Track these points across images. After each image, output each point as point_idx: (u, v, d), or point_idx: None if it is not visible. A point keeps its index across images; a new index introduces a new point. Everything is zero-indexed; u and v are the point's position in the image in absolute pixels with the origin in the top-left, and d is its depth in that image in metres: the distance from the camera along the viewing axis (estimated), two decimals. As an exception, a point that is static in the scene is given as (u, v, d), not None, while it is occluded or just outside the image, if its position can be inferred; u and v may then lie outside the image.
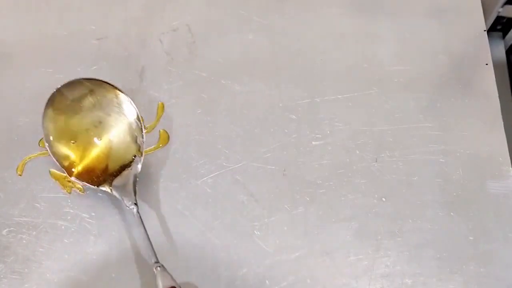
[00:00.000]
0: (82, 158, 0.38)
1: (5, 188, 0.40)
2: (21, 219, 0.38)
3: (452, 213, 0.38)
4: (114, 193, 0.37)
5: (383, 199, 0.38)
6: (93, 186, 0.37)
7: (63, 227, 0.38)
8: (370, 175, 0.39)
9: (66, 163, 0.38)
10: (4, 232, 0.38)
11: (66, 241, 0.37)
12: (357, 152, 0.40)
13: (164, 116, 0.43)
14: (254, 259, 0.36)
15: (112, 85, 0.39)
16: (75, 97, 0.39)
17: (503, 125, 0.41)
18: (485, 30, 0.46)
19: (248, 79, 0.44)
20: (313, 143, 0.41)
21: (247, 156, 0.40)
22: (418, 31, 0.46)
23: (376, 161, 0.40)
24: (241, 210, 0.38)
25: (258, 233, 0.37)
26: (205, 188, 0.39)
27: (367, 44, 0.46)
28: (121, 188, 0.37)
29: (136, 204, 0.36)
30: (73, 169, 0.38)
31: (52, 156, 0.38)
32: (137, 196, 0.37)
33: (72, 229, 0.38)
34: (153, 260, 0.34)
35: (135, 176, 0.37)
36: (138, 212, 0.36)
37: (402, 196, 0.39)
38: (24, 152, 0.41)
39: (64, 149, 0.38)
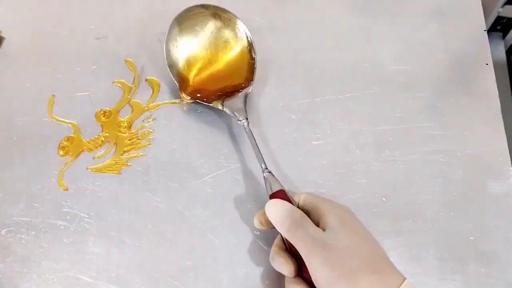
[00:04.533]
0: (197, 77, 0.41)
1: (5, 188, 0.40)
2: (20, 219, 0.38)
3: (452, 213, 0.38)
4: (226, 110, 0.39)
5: (383, 199, 0.38)
6: (205, 103, 0.40)
7: (62, 227, 0.38)
8: (370, 175, 0.39)
9: (180, 80, 0.41)
10: (3, 232, 0.38)
11: (65, 240, 0.37)
12: (357, 152, 0.40)
13: (163, 116, 0.43)
14: (254, 259, 0.36)
15: (232, 13, 0.43)
16: (197, 20, 0.43)
17: (503, 125, 0.41)
18: (485, 30, 0.46)
19: (248, 79, 0.44)
20: (313, 143, 0.41)
21: (247, 156, 0.40)
22: (418, 31, 0.46)
23: (376, 161, 0.40)
24: (241, 210, 0.38)
25: (258, 233, 0.37)
26: (205, 188, 0.39)
27: (367, 44, 0.46)
28: (233, 106, 0.40)
29: (247, 119, 0.39)
30: (186, 89, 0.41)
31: (169, 70, 0.41)
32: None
33: (72, 229, 0.38)
34: (263, 166, 0.36)
35: (246, 96, 0.40)
36: (248, 125, 0.38)
37: (402, 196, 0.38)
38: (24, 152, 0.41)
39: (180, 67, 0.42)
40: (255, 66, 0.42)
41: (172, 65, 0.42)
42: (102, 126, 0.42)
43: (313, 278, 0.30)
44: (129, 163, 0.40)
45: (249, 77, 0.41)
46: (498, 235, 0.37)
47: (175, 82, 0.41)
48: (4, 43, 0.47)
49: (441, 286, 0.35)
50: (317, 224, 0.32)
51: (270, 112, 0.42)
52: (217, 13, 0.43)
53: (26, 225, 0.38)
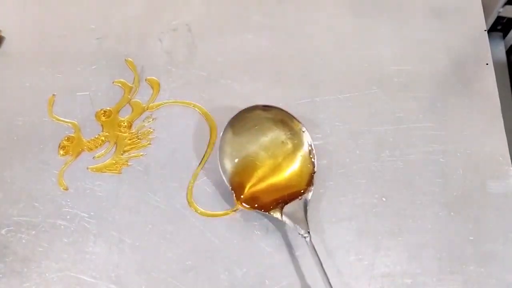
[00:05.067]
0: (254, 183, 0.38)
1: (5, 187, 0.40)
2: (20, 218, 0.38)
3: (452, 213, 0.38)
4: (285, 219, 0.36)
5: (383, 199, 0.38)
6: (263, 212, 0.37)
7: (62, 226, 0.38)
8: (370, 175, 0.39)
9: (235, 186, 0.38)
10: (3, 231, 0.38)
11: (65, 240, 0.37)
12: (357, 152, 0.40)
13: (163, 116, 0.43)
14: (254, 259, 0.36)
15: (290, 114, 0.39)
16: (255, 122, 0.39)
17: (503, 125, 0.41)
18: (485, 30, 0.46)
19: (248, 79, 0.44)
20: (313, 143, 0.41)
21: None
22: (418, 31, 0.46)
23: (376, 161, 0.40)
24: (240, 210, 0.38)
25: (258, 233, 0.37)
26: (205, 188, 0.39)
27: (367, 44, 0.46)
28: (292, 215, 0.36)
29: (309, 232, 0.35)
30: (241, 195, 0.37)
31: (223, 177, 0.37)
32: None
33: (72, 228, 0.38)
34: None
35: (306, 204, 0.37)
36: (311, 240, 0.35)
37: (402, 196, 0.38)
38: (24, 152, 0.41)
39: (236, 172, 0.38)
40: (315, 170, 0.38)
41: (225, 171, 0.38)
42: (102, 125, 0.42)
43: None
44: (129, 163, 0.40)
45: (309, 184, 0.38)
46: (498, 235, 0.37)
47: (229, 188, 0.38)
48: (4, 43, 0.47)
49: (441, 286, 0.35)
50: None
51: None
52: (277, 116, 0.39)
53: (26, 224, 0.38)
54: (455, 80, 0.43)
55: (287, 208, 0.37)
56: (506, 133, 0.40)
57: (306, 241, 0.35)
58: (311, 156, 0.39)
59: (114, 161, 0.41)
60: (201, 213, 0.38)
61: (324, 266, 0.34)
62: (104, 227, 0.38)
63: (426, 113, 0.42)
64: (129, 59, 0.46)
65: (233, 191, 0.37)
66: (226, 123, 0.38)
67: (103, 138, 0.42)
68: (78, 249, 0.37)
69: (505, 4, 0.46)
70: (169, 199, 0.39)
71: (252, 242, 0.37)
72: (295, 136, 0.39)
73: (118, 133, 0.42)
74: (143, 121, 0.42)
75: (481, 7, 0.47)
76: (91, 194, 0.39)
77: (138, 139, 0.42)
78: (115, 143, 0.42)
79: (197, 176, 0.40)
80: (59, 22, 0.48)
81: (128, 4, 0.49)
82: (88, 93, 0.44)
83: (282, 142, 0.39)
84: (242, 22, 0.48)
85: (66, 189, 0.39)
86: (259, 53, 0.46)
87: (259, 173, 0.38)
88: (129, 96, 0.44)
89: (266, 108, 0.39)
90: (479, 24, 0.46)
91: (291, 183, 0.38)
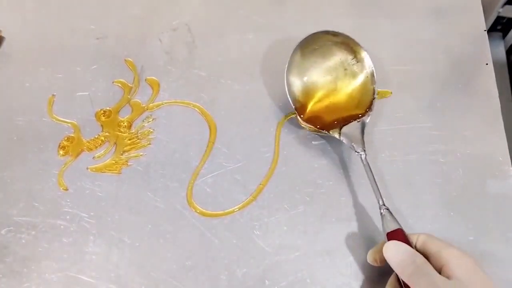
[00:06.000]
0: (316, 104, 0.40)
1: (4, 187, 0.40)
2: (20, 218, 0.38)
3: (452, 213, 0.38)
4: (343, 139, 0.39)
5: (383, 199, 0.38)
6: (323, 131, 0.39)
7: (62, 226, 0.38)
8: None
9: (298, 105, 0.40)
10: (3, 231, 0.38)
11: (65, 240, 0.37)
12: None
13: (163, 116, 0.43)
14: (254, 259, 0.36)
15: (356, 41, 0.41)
16: (322, 45, 0.41)
17: (503, 125, 0.41)
18: (485, 30, 0.46)
19: (248, 79, 0.44)
20: (313, 143, 0.41)
21: (246, 156, 0.40)
22: (418, 31, 0.46)
23: (376, 161, 0.40)
24: (241, 210, 0.38)
25: (258, 233, 0.37)
26: (205, 188, 0.39)
27: (367, 44, 0.46)
28: (350, 135, 0.38)
29: (364, 150, 0.37)
30: (302, 114, 0.40)
31: (288, 96, 0.40)
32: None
33: (71, 228, 0.38)
34: (380, 202, 0.35)
35: (363, 126, 0.39)
36: (366, 158, 0.37)
37: (402, 196, 0.38)
38: (24, 152, 0.41)
39: (300, 93, 0.41)
40: (375, 96, 0.40)
41: (291, 90, 0.40)
42: (102, 126, 0.42)
43: None
44: (129, 163, 0.40)
45: (368, 107, 0.40)
46: (498, 235, 0.37)
47: (293, 106, 0.40)
48: (4, 43, 0.47)
49: (441, 286, 0.35)
50: (438, 271, 0.30)
51: (270, 111, 0.42)
52: (344, 41, 0.41)
53: (26, 225, 0.38)
54: (455, 80, 0.43)
55: (346, 128, 0.39)
56: (506, 133, 0.40)
57: (362, 158, 0.37)
58: (372, 81, 0.41)
59: (114, 161, 0.41)
60: (201, 213, 0.38)
61: (323, 265, 0.34)
62: (103, 227, 0.38)
63: (426, 113, 0.42)
64: (129, 59, 0.46)
65: (295, 109, 0.40)
66: (296, 45, 0.41)
67: (103, 138, 0.42)
68: (78, 249, 0.37)
69: (505, 4, 0.46)
70: (169, 199, 0.39)
71: (252, 242, 0.37)
72: (359, 61, 0.41)
73: (118, 133, 0.42)
74: (143, 121, 0.42)
75: (481, 7, 0.47)
76: (91, 194, 0.39)
77: (138, 139, 0.42)
78: (115, 143, 0.42)
79: (197, 176, 0.40)
80: (59, 22, 0.48)
81: (128, 4, 0.49)
82: (88, 93, 0.44)
83: (346, 66, 0.41)
84: (242, 22, 0.48)
85: (66, 189, 0.39)
86: (259, 53, 0.46)
87: (321, 94, 0.41)
88: (129, 96, 0.44)
89: (335, 33, 0.41)
90: (479, 24, 0.46)
91: (351, 106, 0.40)
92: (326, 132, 0.39)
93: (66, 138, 0.42)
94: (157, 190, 0.39)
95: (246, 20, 0.47)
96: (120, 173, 0.40)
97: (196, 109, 0.43)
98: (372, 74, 0.41)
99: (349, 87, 0.41)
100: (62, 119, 0.43)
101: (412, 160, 0.40)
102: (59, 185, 0.40)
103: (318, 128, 0.39)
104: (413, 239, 0.32)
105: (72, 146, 0.41)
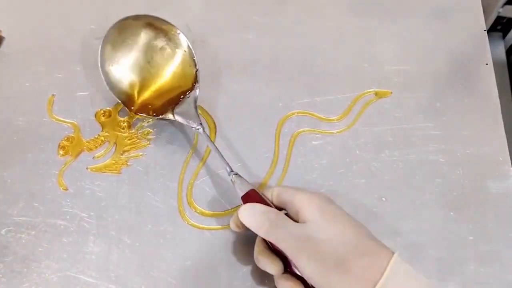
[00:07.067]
0: (141, 91, 0.40)
1: (4, 187, 0.40)
2: (20, 218, 0.38)
3: (452, 213, 0.38)
4: (178, 118, 0.39)
5: (383, 199, 0.38)
6: (157, 117, 0.39)
7: (62, 226, 0.38)
8: (370, 175, 0.39)
9: (124, 99, 0.40)
10: (3, 231, 0.38)
11: (65, 240, 0.37)
12: (357, 152, 0.40)
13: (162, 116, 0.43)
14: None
15: (162, 19, 0.41)
16: (130, 33, 0.41)
17: (503, 125, 0.41)
18: (485, 30, 0.46)
19: (248, 79, 0.44)
20: (313, 143, 0.41)
21: (246, 156, 0.40)
22: (418, 31, 0.46)
23: (376, 161, 0.40)
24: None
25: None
26: (205, 188, 0.39)
27: (367, 44, 0.46)
28: (184, 114, 0.39)
29: (201, 124, 0.38)
30: (132, 106, 0.40)
31: (112, 93, 0.40)
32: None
33: (71, 228, 0.38)
34: (228, 169, 0.36)
35: (195, 101, 0.39)
36: (204, 131, 0.38)
37: (402, 196, 0.38)
38: (24, 152, 0.41)
39: (122, 85, 0.40)
40: (197, 68, 0.41)
41: (112, 87, 0.40)
42: (102, 125, 0.42)
43: (303, 275, 0.29)
44: (129, 163, 0.40)
45: (194, 81, 0.40)
46: (498, 235, 0.37)
47: (119, 101, 0.40)
48: (4, 43, 0.47)
49: (441, 286, 0.35)
50: (296, 218, 0.31)
51: (270, 112, 0.42)
52: (149, 22, 0.41)
53: (26, 224, 0.38)
54: (455, 80, 0.43)
55: (178, 108, 0.39)
56: (506, 133, 0.40)
57: (200, 133, 0.38)
58: (190, 54, 0.41)
59: (113, 161, 0.41)
60: (201, 213, 0.38)
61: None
62: (103, 227, 0.38)
63: (426, 113, 0.42)
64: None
65: (123, 103, 0.40)
66: (100, 47, 0.40)
67: (102, 138, 0.42)
68: (78, 249, 0.37)
69: (505, 4, 0.46)
70: (169, 199, 0.39)
71: (252, 242, 0.37)
72: (172, 39, 0.41)
73: (118, 133, 0.42)
74: (143, 121, 0.42)
75: (481, 7, 0.47)
76: (91, 194, 0.39)
77: (138, 139, 0.42)
78: (115, 143, 0.42)
79: (197, 176, 0.40)
80: (59, 22, 0.48)
81: (128, 4, 0.49)
82: (88, 93, 0.44)
83: (160, 47, 0.41)
84: (242, 22, 0.48)
85: (66, 189, 0.39)
86: (259, 53, 0.46)
87: (145, 81, 0.41)
88: (129, 96, 0.44)
89: (136, 17, 0.41)
90: (479, 24, 0.46)
91: (177, 85, 0.40)
92: (161, 116, 0.39)
93: (66, 138, 0.42)
94: (157, 190, 0.39)
95: (246, 20, 0.47)
96: (120, 173, 0.40)
97: (196, 109, 0.43)
98: (188, 47, 0.41)
99: (168, 67, 0.41)
100: (62, 119, 0.43)
101: (412, 160, 0.40)
102: (59, 185, 0.40)
103: (152, 114, 0.40)
104: (269, 196, 0.33)
105: (72, 146, 0.41)
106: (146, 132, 0.42)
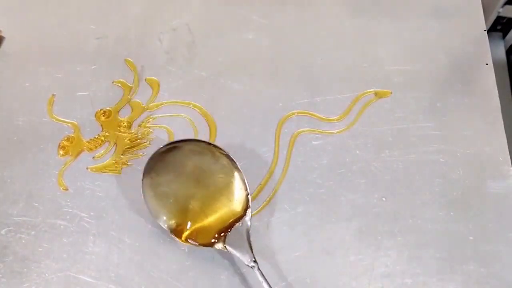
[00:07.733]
0: (191, 219, 0.36)
1: (4, 187, 0.40)
2: (20, 218, 0.38)
3: (452, 213, 0.38)
4: (230, 250, 0.35)
5: (383, 199, 0.38)
6: (206, 247, 0.36)
7: (62, 226, 0.38)
8: (370, 175, 0.39)
9: (174, 227, 0.36)
10: (3, 231, 0.38)
11: (65, 240, 0.37)
12: (357, 152, 0.40)
13: (163, 116, 0.43)
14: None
15: (210, 143, 0.38)
16: (174, 158, 0.37)
17: (503, 125, 0.41)
18: (485, 30, 0.46)
19: (248, 79, 0.44)
20: (313, 143, 0.41)
21: (246, 156, 0.40)
22: (418, 31, 0.46)
23: (376, 161, 0.40)
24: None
25: (258, 233, 0.37)
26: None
27: (367, 44, 0.46)
28: (236, 245, 0.35)
29: (255, 261, 0.34)
30: (182, 233, 0.36)
31: (156, 220, 0.36)
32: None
33: (71, 228, 0.38)
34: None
35: (248, 232, 0.36)
36: (259, 269, 0.34)
37: (402, 196, 0.38)
38: (24, 152, 0.41)
39: (170, 215, 0.36)
40: (248, 192, 0.36)
41: (158, 217, 0.36)
42: (102, 126, 0.42)
43: None
44: (129, 163, 0.40)
45: (246, 207, 0.36)
46: (498, 235, 0.37)
47: (167, 230, 0.36)
48: (4, 43, 0.47)
49: (441, 286, 0.35)
50: None
51: (270, 112, 0.42)
52: (198, 149, 0.38)
53: (26, 224, 0.38)
54: (455, 80, 0.43)
55: (230, 237, 0.35)
56: (506, 133, 0.40)
57: (254, 271, 0.34)
58: (240, 177, 0.37)
59: (114, 161, 0.41)
60: (201, 213, 0.38)
61: (323, 265, 0.34)
62: (103, 227, 0.38)
63: (426, 113, 0.42)
64: (129, 59, 0.46)
65: (173, 235, 0.36)
66: (144, 169, 0.36)
67: (102, 138, 0.42)
68: (78, 249, 0.37)
69: (505, 4, 0.46)
70: (169, 199, 0.39)
71: (252, 242, 0.37)
72: (221, 164, 0.37)
73: (118, 133, 0.42)
74: (143, 121, 0.42)
75: (481, 7, 0.47)
76: (91, 194, 0.39)
77: (138, 139, 0.42)
78: (115, 143, 0.42)
79: (197, 176, 0.40)
80: (59, 22, 0.48)
81: (128, 4, 0.49)
82: (88, 93, 0.44)
83: (210, 173, 0.37)
84: (242, 22, 0.48)
85: (66, 189, 0.39)
86: (259, 53, 0.46)
87: (194, 209, 0.36)
88: (129, 96, 0.44)
89: (175, 144, 0.37)
90: (479, 24, 0.46)
91: (228, 211, 0.36)
92: (210, 246, 0.36)
93: (66, 138, 0.42)
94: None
95: (246, 20, 0.47)
96: (120, 173, 0.40)
97: (196, 109, 0.43)
98: (239, 171, 0.37)
99: (219, 193, 0.37)
100: (62, 119, 0.43)
101: (412, 160, 0.40)
102: (59, 185, 0.40)
103: (200, 245, 0.36)
104: None
105: (72, 146, 0.41)
106: (146, 132, 0.42)
